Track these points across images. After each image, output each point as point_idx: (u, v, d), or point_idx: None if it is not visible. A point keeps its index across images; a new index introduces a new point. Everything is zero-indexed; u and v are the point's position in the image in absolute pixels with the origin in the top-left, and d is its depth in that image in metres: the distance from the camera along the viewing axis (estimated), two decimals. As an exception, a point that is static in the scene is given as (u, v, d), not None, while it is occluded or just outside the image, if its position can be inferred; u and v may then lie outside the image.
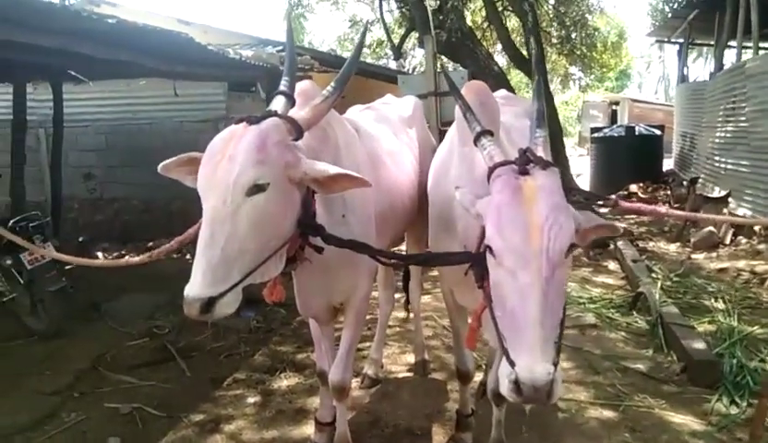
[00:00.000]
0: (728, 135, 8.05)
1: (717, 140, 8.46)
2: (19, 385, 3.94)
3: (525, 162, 1.82)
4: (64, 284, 4.60)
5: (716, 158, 8.40)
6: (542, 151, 1.91)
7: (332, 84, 2.16)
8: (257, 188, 1.82)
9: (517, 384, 1.57)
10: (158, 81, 7.99)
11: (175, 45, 4.08)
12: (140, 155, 9.06)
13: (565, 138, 35.70)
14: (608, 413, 3.46)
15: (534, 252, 1.62)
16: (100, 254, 8.13)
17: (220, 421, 3.52)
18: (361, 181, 1.96)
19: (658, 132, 12.69)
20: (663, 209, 2.26)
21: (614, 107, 25.63)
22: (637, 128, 12.78)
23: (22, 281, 4.49)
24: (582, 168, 15.04)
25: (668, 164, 13.65)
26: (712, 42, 11.67)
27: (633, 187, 11.90)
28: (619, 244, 7.07)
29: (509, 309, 1.64)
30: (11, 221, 4.31)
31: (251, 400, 3.79)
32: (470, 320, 2.29)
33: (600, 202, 2.14)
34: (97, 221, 9.33)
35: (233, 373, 4.17)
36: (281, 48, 11.78)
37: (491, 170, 1.86)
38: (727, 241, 7.32)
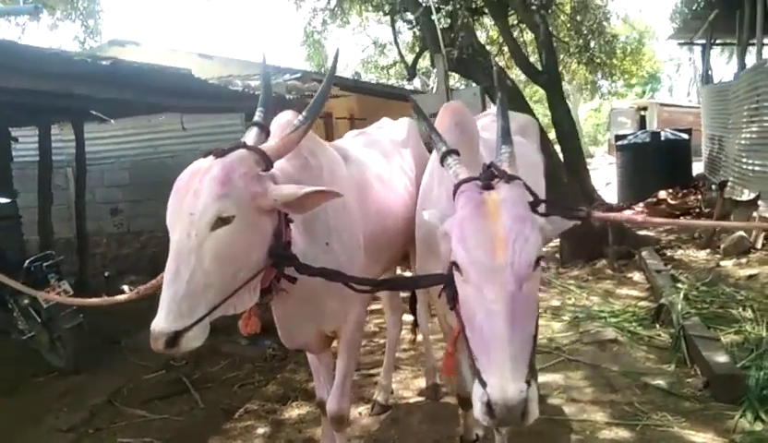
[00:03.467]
0: (754, 135, 7.78)
1: (744, 141, 8.19)
2: (38, 422, 4.01)
3: (489, 177, 1.79)
4: (80, 320, 4.68)
5: (744, 160, 8.13)
6: (507, 167, 1.87)
7: (304, 114, 2.16)
8: (221, 221, 1.83)
9: (489, 405, 1.52)
10: (176, 116, 8.20)
11: (175, 81, 4.18)
12: (164, 188, 8.98)
13: (595, 147, 34.92)
14: (624, 434, 3.33)
15: (499, 266, 1.58)
16: (126, 287, 8.26)
17: (228, 454, 3.52)
18: (331, 193, 2.00)
19: (685, 136, 12.37)
20: (639, 216, 2.18)
21: (642, 113, 25.14)
22: (663, 133, 12.50)
23: (40, 320, 4.59)
24: (613, 176, 14.75)
25: (700, 168, 13.29)
26: (735, 42, 11.37)
27: (662, 194, 11.58)
28: (643, 254, 6.88)
29: (477, 327, 1.60)
30: (27, 262, 4.42)
31: (261, 430, 3.77)
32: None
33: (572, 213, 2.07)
34: (124, 255, 9.53)
35: (245, 403, 4.17)
36: (299, 75, 11.94)
37: (456, 187, 1.84)
38: (759, 245, 7.05)
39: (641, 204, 11.84)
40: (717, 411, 3.48)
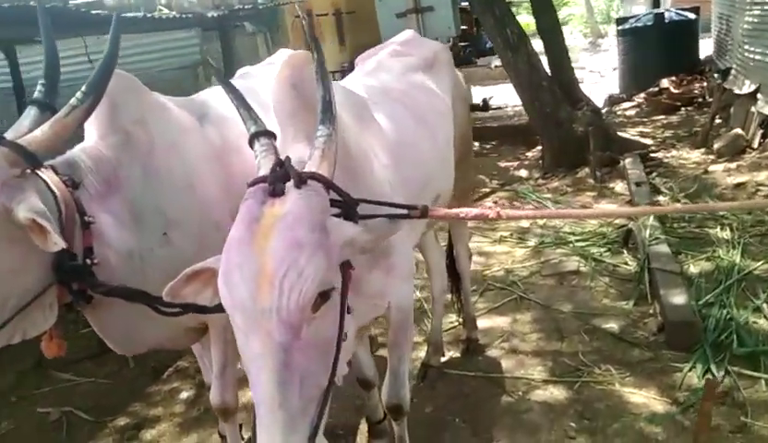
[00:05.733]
0: (756, 19, 6.95)
1: (746, 26, 7.34)
2: (-41, 391, 3.85)
3: (280, 178, 1.33)
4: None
5: (746, 46, 7.32)
6: (318, 158, 1.39)
7: (84, 89, 1.70)
8: None
9: None
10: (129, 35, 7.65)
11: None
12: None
13: (607, 26, 32.75)
14: (559, 394, 3.04)
15: (263, 310, 1.19)
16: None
17: (143, 425, 3.34)
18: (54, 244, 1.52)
19: (692, 15, 11.32)
20: (491, 212, 1.72)
21: (657, -15, 23.27)
22: (667, 14, 11.45)
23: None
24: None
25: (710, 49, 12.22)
26: None
27: (665, 82, 10.77)
28: (627, 161, 6.36)
29: (252, 381, 1.23)
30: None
31: (184, 395, 3.57)
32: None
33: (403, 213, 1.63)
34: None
35: (176, 361, 3.96)
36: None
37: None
38: (755, 144, 6.49)
39: (642, 94, 11.07)
40: (666, 362, 3.16)
